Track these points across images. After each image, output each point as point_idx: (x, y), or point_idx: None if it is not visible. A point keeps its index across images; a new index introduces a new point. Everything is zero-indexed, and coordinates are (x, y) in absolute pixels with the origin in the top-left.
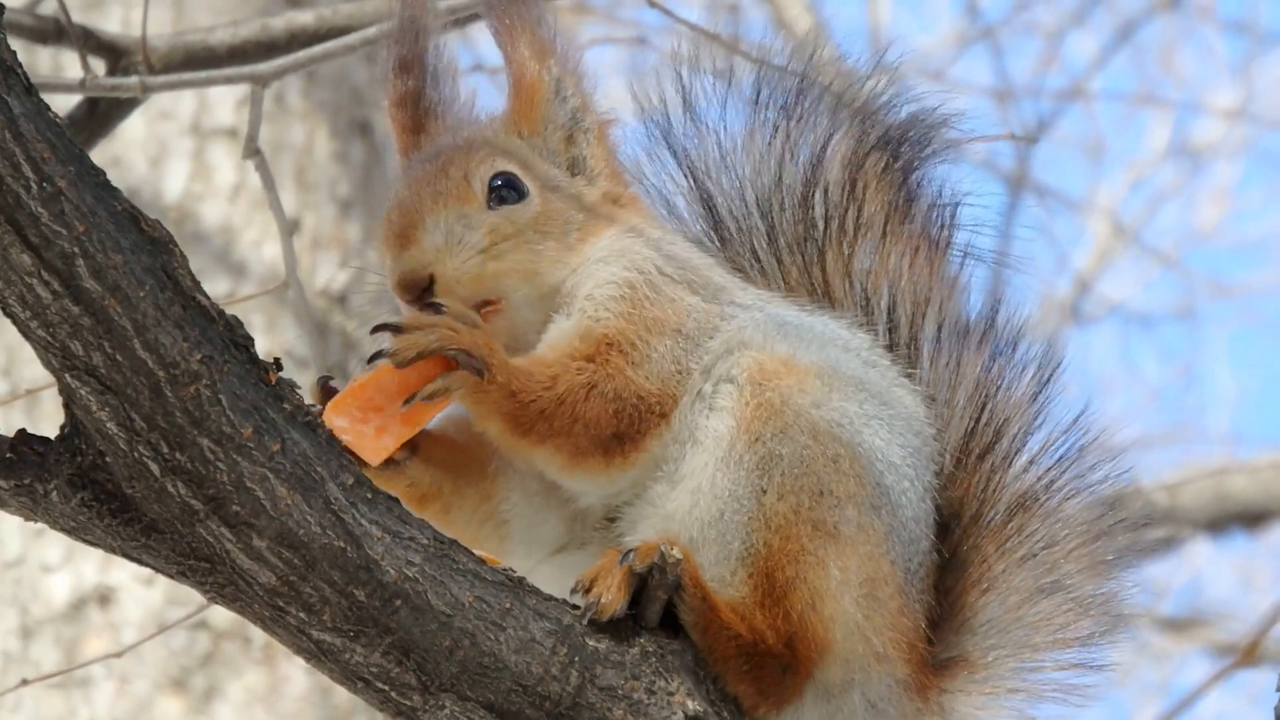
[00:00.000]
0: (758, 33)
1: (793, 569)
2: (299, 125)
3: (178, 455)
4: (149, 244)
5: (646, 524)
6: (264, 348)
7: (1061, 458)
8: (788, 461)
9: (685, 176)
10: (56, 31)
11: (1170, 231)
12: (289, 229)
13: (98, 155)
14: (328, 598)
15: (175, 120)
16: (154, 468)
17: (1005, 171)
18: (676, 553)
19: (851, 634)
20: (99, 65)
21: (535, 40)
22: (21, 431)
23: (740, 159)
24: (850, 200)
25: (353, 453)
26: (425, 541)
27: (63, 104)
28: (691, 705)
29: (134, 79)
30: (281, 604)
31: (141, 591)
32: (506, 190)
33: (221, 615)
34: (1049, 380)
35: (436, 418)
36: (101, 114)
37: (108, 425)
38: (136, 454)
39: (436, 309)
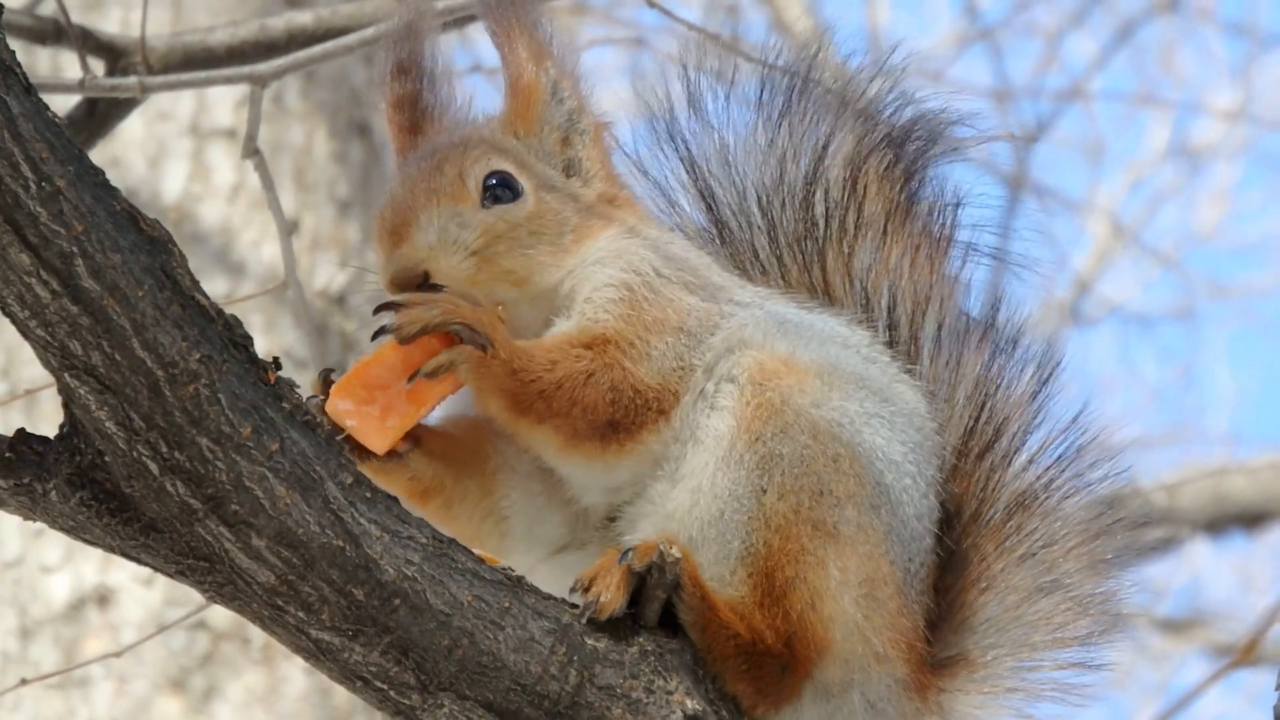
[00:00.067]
0: (757, 33)
1: (792, 569)
2: (298, 126)
3: (176, 454)
4: (148, 243)
5: (646, 523)
6: (263, 348)
7: (1060, 457)
8: (788, 461)
9: (687, 173)
10: (55, 32)
11: (1170, 232)
12: (288, 229)
13: (97, 156)
14: (326, 597)
15: (174, 121)
16: (153, 467)
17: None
18: (675, 552)
19: (851, 634)
20: (98, 66)
21: (533, 42)
22: (20, 431)
23: (742, 157)
24: (851, 199)
25: (357, 442)
26: (424, 540)
27: (62, 104)
28: (690, 704)
29: (133, 79)
30: (280, 603)
31: (141, 592)
32: (501, 189)
33: (221, 615)
34: (1048, 379)
35: (437, 410)
36: (100, 114)
37: (106, 424)
38: (135, 453)
39: (436, 290)
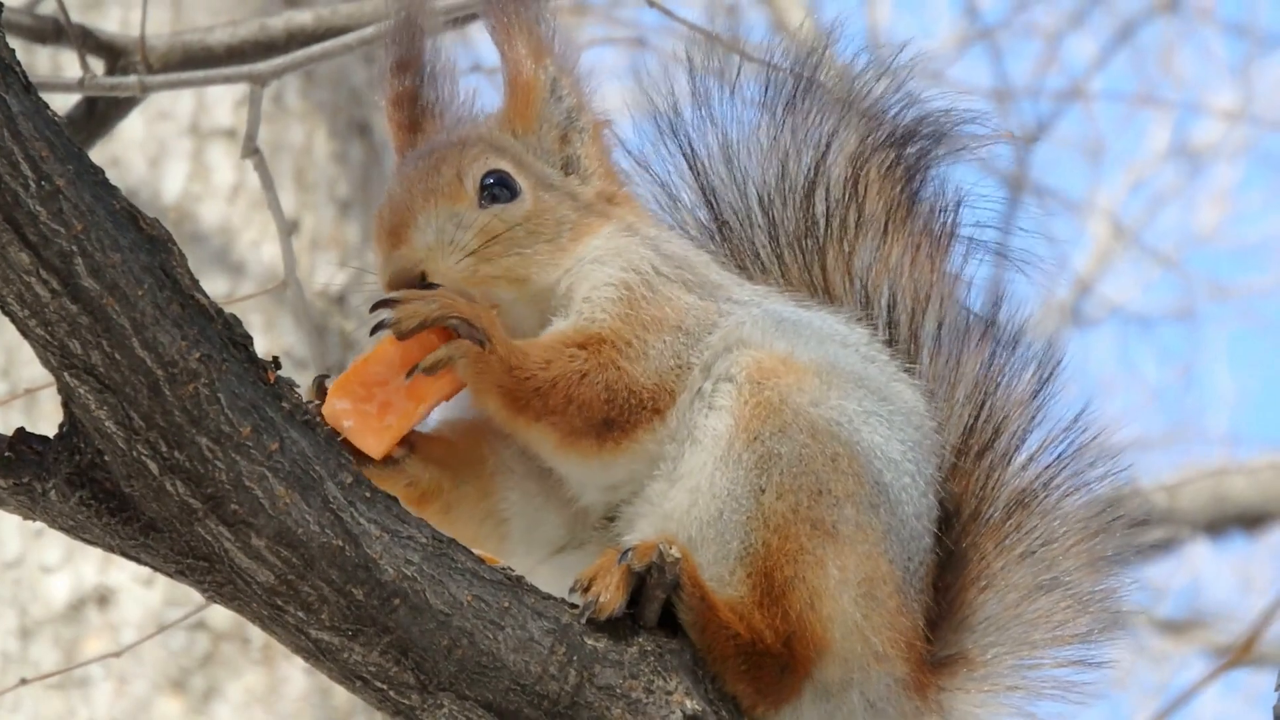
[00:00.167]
0: (758, 34)
1: (791, 568)
2: (298, 125)
3: (176, 454)
4: (147, 242)
5: (645, 523)
6: (263, 348)
7: (1060, 456)
8: (786, 460)
9: (689, 170)
10: (55, 31)
11: (1170, 233)
12: (288, 229)
13: (96, 155)
14: (326, 596)
15: (174, 120)
16: (152, 466)
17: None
18: (675, 552)
19: (850, 633)
20: (98, 65)
21: (532, 39)
22: (20, 430)
23: (744, 155)
24: (852, 198)
25: (354, 448)
26: (424, 540)
27: (61, 103)
28: (690, 704)
29: (133, 79)
30: (280, 603)
31: (141, 592)
32: (499, 188)
33: (220, 616)
34: (1048, 379)
35: (433, 415)
36: (100, 114)
37: (106, 424)
38: (135, 452)
39: (432, 288)
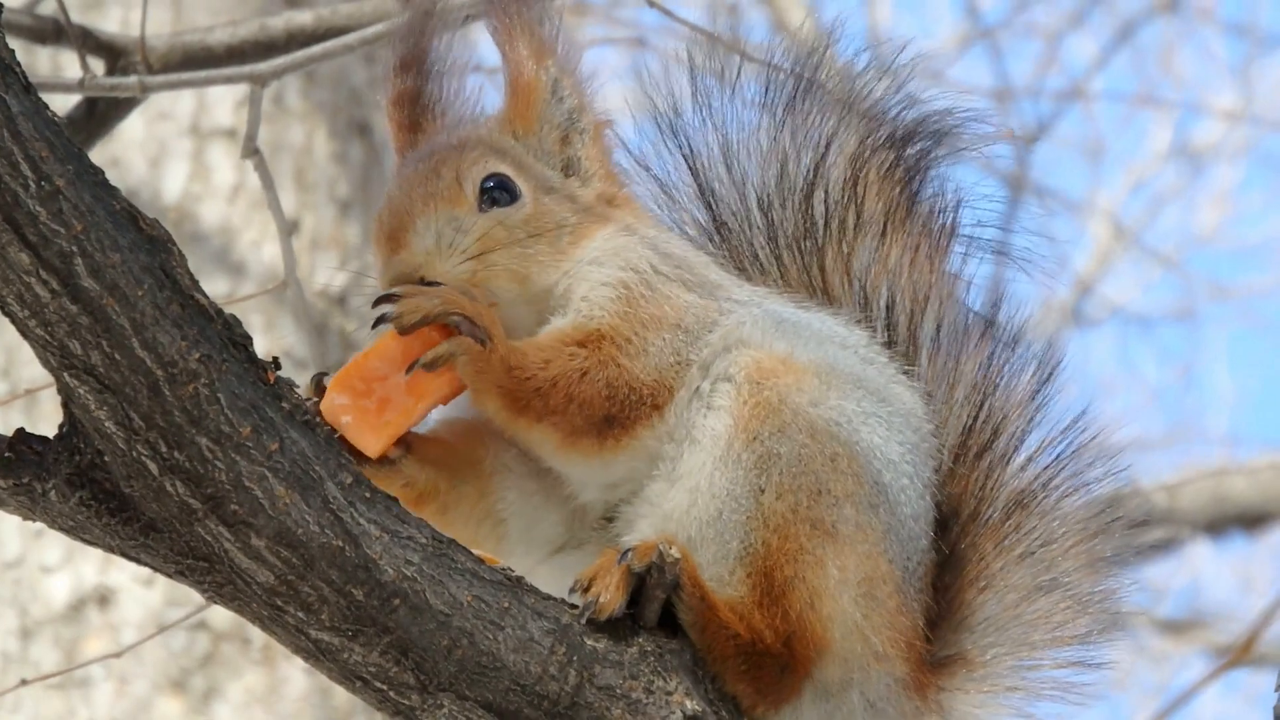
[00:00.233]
0: (758, 34)
1: (791, 568)
2: (298, 125)
3: (176, 454)
4: (147, 243)
5: (645, 523)
6: (263, 348)
7: (1059, 456)
8: (786, 460)
9: (688, 171)
10: (55, 31)
11: (1171, 234)
12: (288, 229)
13: (96, 155)
14: (326, 597)
15: (174, 120)
16: (152, 466)
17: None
18: (675, 552)
19: (850, 633)
20: (98, 65)
21: (534, 40)
22: (20, 431)
23: (744, 156)
24: (851, 199)
25: (351, 446)
26: (423, 540)
27: (61, 104)
28: (690, 704)
29: (133, 79)
30: (280, 603)
31: (141, 592)
32: (498, 192)
33: (221, 616)
34: (1048, 380)
35: (430, 418)
36: (100, 114)
37: (106, 424)
38: (135, 453)
39: (434, 286)
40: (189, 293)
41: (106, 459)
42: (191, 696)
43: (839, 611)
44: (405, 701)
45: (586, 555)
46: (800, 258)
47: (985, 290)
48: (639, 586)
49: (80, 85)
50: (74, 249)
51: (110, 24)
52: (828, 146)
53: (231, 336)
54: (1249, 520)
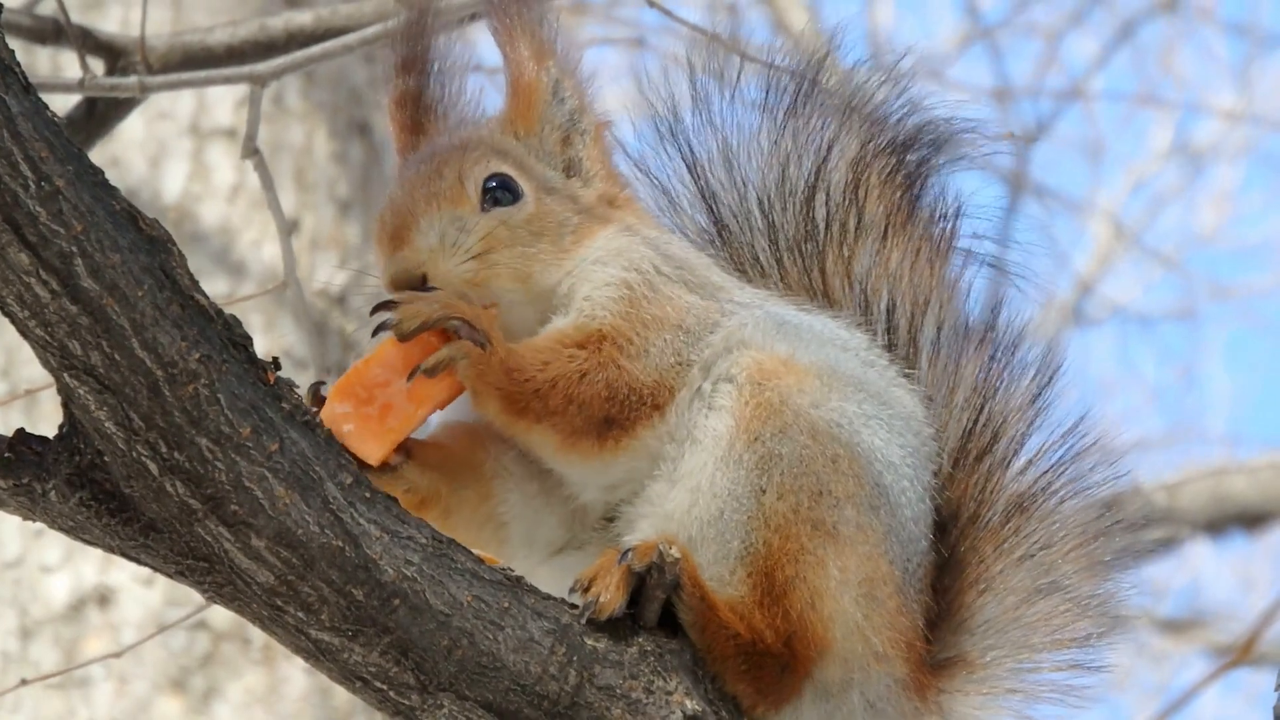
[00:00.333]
0: (759, 35)
1: (792, 568)
2: (298, 125)
3: (176, 454)
4: (147, 243)
5: (645, 523)
6: (263, 348)
7: (1059, 460)
8: (787, 461)
9: (689, 172)
10: (55, 31)
11: (1171, 234)
12: (288, 229)
13: (96, 155)
14: (326, 597)
15: (174, 120)
16: (152, 467)
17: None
18: (675, 552)
19: (850, 633)
20: (98, 65)
21: (535, 40)
22: (20, 431)
23: (745, 158)
24: (852, 202)
25: (354, 456)
26: (423, 540)
27: (61, 104)
28: (690, 704)
29: (132, 79)
30: (280, 603)
31: (141, 592)
32: (501, 192)
33: (221, 616)
34: (1048, 383)
35: (431, 421)
36: (100, 114)
37: (106, 424)
38: (135, 453)
39: (431, 290)
40: (189, 293)
41: (106, 459)
42: (191, 696)
43: (840, 612)
44: (405, 701)
45: (587, 556)
46: (801, 260)
47: (985, 294)
48: (639, 586)
49: (80, 85)
50: (74, 249)
51: (110, 24)
52: (829, 150)
53: (231, 337)
54: (1249, 520)
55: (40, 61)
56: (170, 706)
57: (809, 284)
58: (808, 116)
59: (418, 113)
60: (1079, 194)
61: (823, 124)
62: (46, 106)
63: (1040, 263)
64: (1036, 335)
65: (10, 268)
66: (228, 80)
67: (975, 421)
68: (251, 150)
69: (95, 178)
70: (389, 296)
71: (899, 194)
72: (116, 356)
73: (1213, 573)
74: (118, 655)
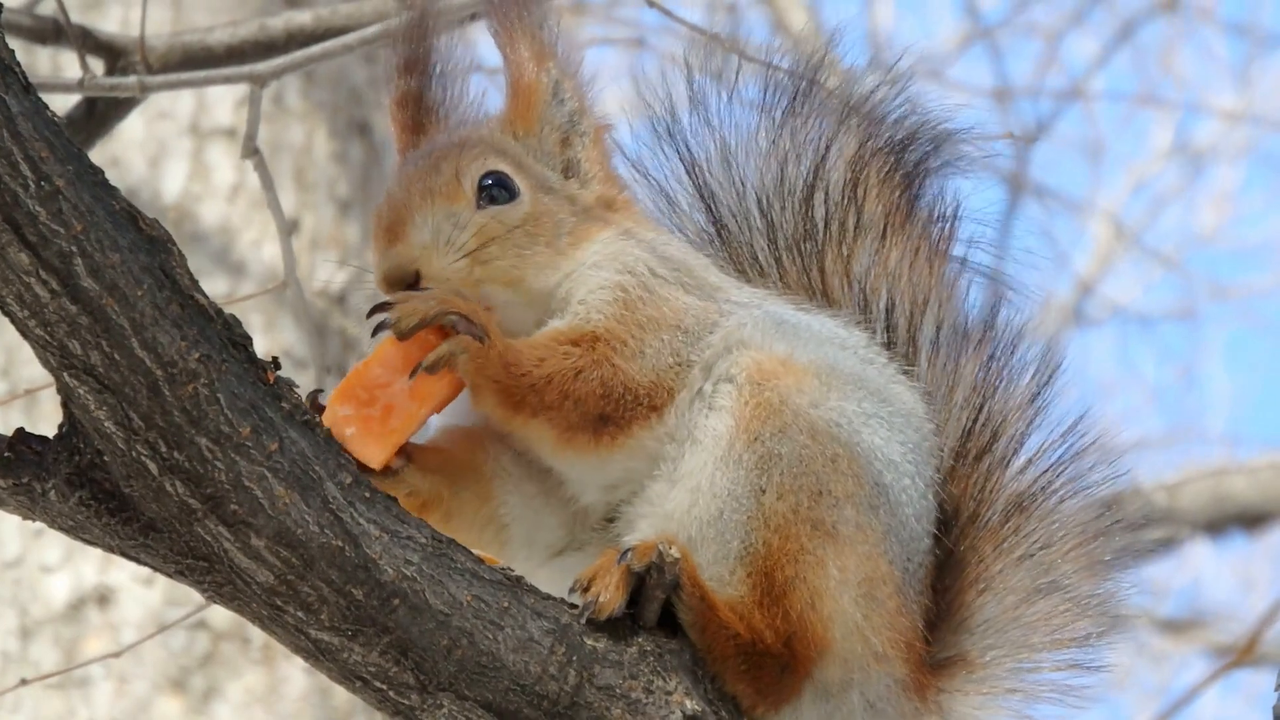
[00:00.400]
0: (759, 35)
1: (791, 568)
2: (298, 125)
3: (175, 454)
4: (147, 243)
5: (645, 523)
6: (262, 348)
7: (1059, 459)
8: (786, 461)
9: (687, 173)
10: (55, 31)
11: (1171, 234)
12: (287, 229)
13: (96, 155)
14: (326, 597)
15: (174, 120)
16: (152, 466)
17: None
18: (675, 552)
19: (850, 633)
20: (97, 65)
21: (535, 42)
22: (20, 430)
23: (743, 158)
24: (851, 201)
25: (357, 459)
26: (423, 540)
27: (61, 104)
28: (689, 704)
29: (132, 79)
30: (279, 603)
31: (141, 592)
32: (497, 189)
33: (220, 616)
34: (1048, 382)
35: (431, 424)
36: (100, 114)
37: (106, 424)
38: (134, 453)
39: (426, 290)
40: (189, 293)
41: (106, 459)
42: (191, 696)
43: (839, 612)
44: (405, 701)
45: (587, 557)
46: (800, 260)
47: (985, 293)
48: (639, 586)
49: (80, 85)
50: (73, 249)
51: (110, 24)
52: (827, 149)
53: (231, 336)
54: (1249, 520)
55: (40, 61)
56: (170, 706)
57: (808, 283)
58: (806, 116)
59: (419, 113)
60: (1079, 194)
61: (821, 123)
62: (46, 106)
63: (1039, 266)
64: (1036, 334)
65: (10, 267)
66: (228, 80)
67: (974, 420)
68: (251, 150)
69: (95, 177)
70: (386, 297)
71: (898, 193)
72: (116, 356)
73: (1213, 573)
74: (118, 655)
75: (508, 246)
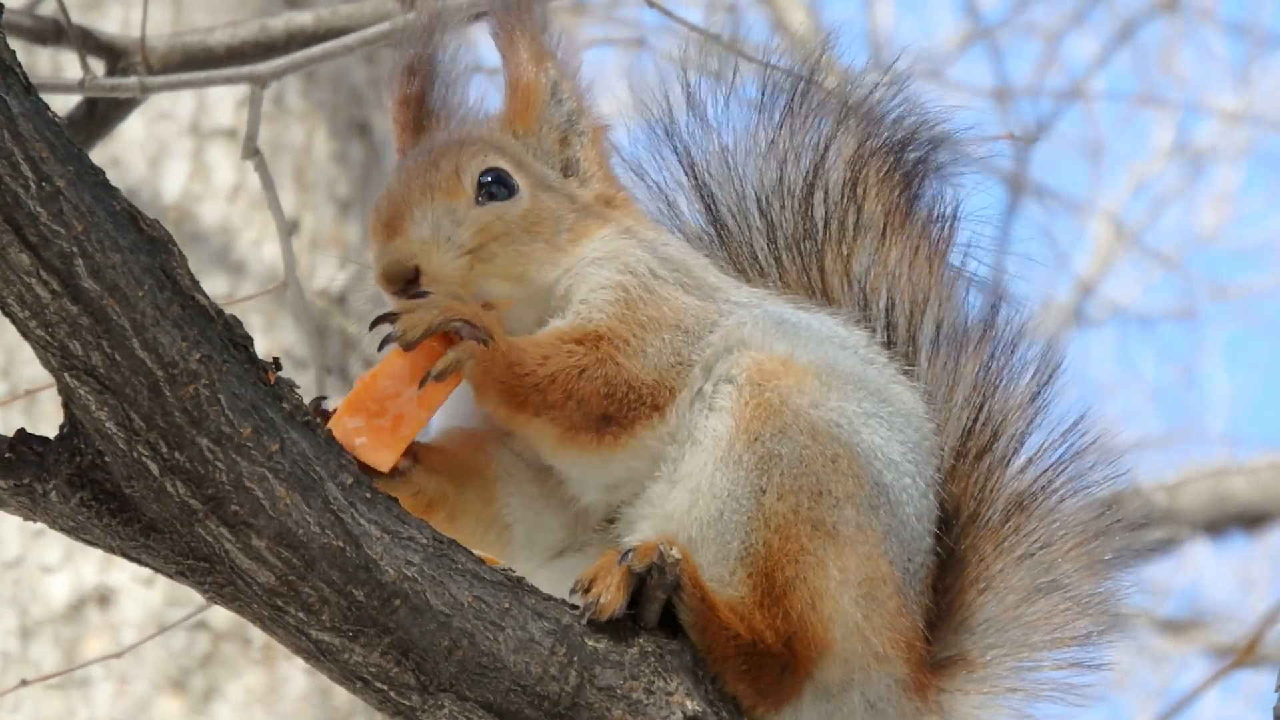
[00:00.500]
0: (758, 34)
1: (792, 569)
2: (298, 126)
3: (176, 455)
4: (147, 243)
5: (646, 524)
6: (263, 348)
7: (1059, 459)
8: (787, 461)
9: (686, 174)
10: (56, 32)
11: (1171, 234)
12: (288, 229)
13: (97, 156)
14: (326, 597)
15: (174, 121)
16: (153, 467)
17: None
18: (675, 552)
19: (850, 634)
20: (98, 66)
21: (534, 42)
22: (20, 431)
23: (742, 158)
24: (851, 201)
25: (366, 465)
26: (424, 541)
27: (62, 104)
28: (690, 705)
29: (133, 79)
30: (280, 604)
31: (141, 592)
32: (496, 186)
33: (221, 616)
34: (1048, 382)
35: (431, 425)
36: (100, 114)
37: (106, 425)
38: (135, 453)
39: (423, 295)
40: (189, 293)
41: (107, 460)
42: (191, 696)
43: (840, 612)
44: (406, 702)
45: (588, 557)
46: (800, 259)
47: (985, 292)
48: (639, 587)
49: (80, 86)
50: (74, 250)
51: (110, 24)
52: (826, 149)
53: (232, 337)
54: (1249, 520)
55: (41, 62)
56: (170, 706)
57: (808, 282)
58: (805, 116)
59: (420, 114)
60: (1079, 194)
61: (820, 123)
62: (47, 107)
63: (1040, 260)
64: (1036, 334)
65: (11, 268)
66: (228, 80)
67: (975, 420)
68: (252, 150)
69: (96, 178)
70: (386, 309)
71: (897, 192)
72: (117, 357)
73: (1213, 573)
74: (118, 655)
75: (507, 243)
